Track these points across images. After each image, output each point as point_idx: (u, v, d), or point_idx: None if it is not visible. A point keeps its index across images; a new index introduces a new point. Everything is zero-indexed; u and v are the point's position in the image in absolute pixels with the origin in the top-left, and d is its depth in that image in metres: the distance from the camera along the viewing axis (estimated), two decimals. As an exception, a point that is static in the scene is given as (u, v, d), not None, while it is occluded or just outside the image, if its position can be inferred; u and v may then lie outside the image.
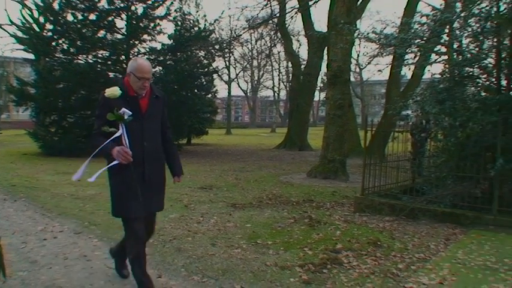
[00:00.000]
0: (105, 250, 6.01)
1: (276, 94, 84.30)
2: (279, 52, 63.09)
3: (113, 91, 4.32)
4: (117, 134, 4.22)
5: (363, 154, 10.44)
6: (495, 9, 8.66)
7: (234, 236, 7.05)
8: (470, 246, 6.59)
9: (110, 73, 22.72)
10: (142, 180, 4.38)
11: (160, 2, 22.80)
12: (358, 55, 59.19)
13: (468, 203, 8.15)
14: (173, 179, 4.93)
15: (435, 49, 9.68)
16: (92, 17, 21.87)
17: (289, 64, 46.93)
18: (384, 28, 9.86)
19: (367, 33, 9.93)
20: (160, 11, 22.96)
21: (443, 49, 9.85)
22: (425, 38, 9.30)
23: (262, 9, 26.33)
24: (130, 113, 4.24)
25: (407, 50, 9.44)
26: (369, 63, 57.75)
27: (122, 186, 4.34)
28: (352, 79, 47.29)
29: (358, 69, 63.75)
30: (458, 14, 9.12)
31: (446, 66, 9.46)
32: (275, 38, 34.17)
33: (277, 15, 28.40)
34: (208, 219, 8.24)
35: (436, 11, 10.78)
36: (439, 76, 9.53)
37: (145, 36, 23.18)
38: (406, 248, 6.50)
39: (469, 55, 9.02)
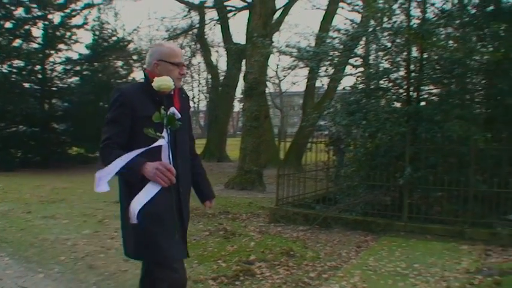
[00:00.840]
0: (16, 268, 5.79)
1: (195, 105, 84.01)
2: (198, 63, 62.89)
3: (165, 81, 3.13)
4: (159, 144, 3.09)
5: (281, 164, 10.57)
6: (405, 24, 9.02)
7: (149, 251, 6.93)
8: (381, 253, 6.75)
9: (25, 83, 22.00)
10: (178, 211, 3.27)
11: (78, 11, 22.31)
12: (277, 66, 60.03)
13: (379, 210, 8.42)
14: (204, 204, 3.85)
15: (351, 62, 9.98)
16: (8, 25, 21.13)
17: (209, 75, 47.02)
18: (298, 42, 10.09)
19: (281, 47, 10.13)
20: (78, 20, 22.47)
21: (359, 62, 10.14)
22: (337, 52, 9.55)
23: (182, 19, 26.30)
24: (180, 115, 3.25)
25: (320, 63, 9.65)
26: (284, 76, 58.49)
27: (155, 218, 3.15)
28: (271, 90, 47.80)
29: (277, 81, 64.76)
30: (369, 29, 9.42)
31: (359, 78, 9.75)
32: (195, 48, 34.11)
33: (197, 26, 28.41)
34: (122, 234, 8.08)
35: (354, 24, 11.13)
36: (350, 88, 9.82)
37: (61, 46, 22.51)
38: (318, 257, 6.59)
39: (380, 68, 9.32)
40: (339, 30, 9.95)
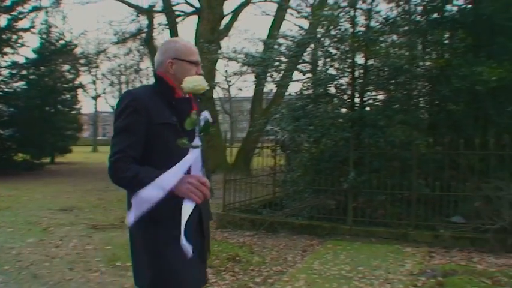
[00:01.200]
0: None
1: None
2: (147, 67, 62.31)
3: (200, 81, 2.63)
4: (194, 155, 2.53)
5: (229, 170, 10.57)
6: (351, 31, 9.17)
7: (93, 259, 6.78)
8: (326, 257, 6.80)
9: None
10: (201, 233, 2.79)
11: (25, 14, 21.69)
12: (226, 72, 59.87)
13: (324, 214, 8.52)
14: None
15: (298, 68, 10.07)
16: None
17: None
18: (244, 48, 10.09)
19: (228, 53, 10.14)
20: (25, 23, 21.94)
21: (306, 68, 10.24)
22: (284, 58, 9.63)
23: (130, 23, 26.03)
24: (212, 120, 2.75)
25: (266, 69, 9.69)
26: (230, 81, 58.61)
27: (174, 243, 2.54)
28: (221, 95, 47.79)
29: (227, 86, 64.70)
30: (315, 36, 9.53)
31: (305, 84, 9.84)
32: (143, 53, 33.81)
33: (146, 30, 28.19)
34: (67, 242, 7.89)
35: (303, 31, 11.22)
36: (297, 94, 9.91)
37: (7, 49, 21.85)
38: (264, 262, 6.61)
39: (326, 74, 9.43)
40: (285, 37, 10.04)
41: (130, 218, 2.42)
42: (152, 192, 2.36)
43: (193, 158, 2.51)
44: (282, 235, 8.27)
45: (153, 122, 2.60)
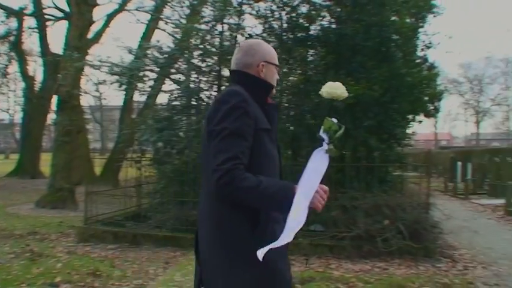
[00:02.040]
0: None
1: (12, 117, 79.07)
2: (15, 72, 59.30)
3: (343, 89, 2.60)
4: (327, 163, 2.50)
5: (96, 181, 10.34)
6: (218, 44, 9.35)
7: None
8: (189, 268, 6.84)
9: None
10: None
11: None
12: (98, 79, 58.33)
13: (188, 226, 8.56)
14: None
15: (165, 79, 10.09)
16: None
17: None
18: (108, 57, 9.95)
19: (92, 61, 9.98)
20: None
21: (174, 79, 10.26)
22: (155, 68, 9.61)
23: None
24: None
25: (131, 79, 9.62)
26: (97, 90, 57.27)
27: (279, 258, 2.47)
28: (92, 103, 46.54)
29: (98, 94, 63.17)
30: (182, 48, 9.58)
31: (171, 96, 9.88)
32: (12, 56, 32.21)
33: (14, 33, 26.93)
34: None
35: (174, 42, 11.22)
36: (161, 105, 9.94)
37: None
38: (126, 275, 6.55)
39: (192, 87, 9.53)
40: (153, 47, 10.03)
41: (285, 239, 2.25)
42: (301, 204, 2.28)
43: (326, 165, 2.46)
44: (145, 248, 8.24)
45: (257, 127, 2.45)
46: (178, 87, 9.91)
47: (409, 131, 11.58)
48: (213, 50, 9.31)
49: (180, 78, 9.97)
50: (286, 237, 2.25)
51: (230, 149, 2.30)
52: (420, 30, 12.30)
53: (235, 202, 2.34)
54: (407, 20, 11.69)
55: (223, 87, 9.52)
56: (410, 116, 11.30)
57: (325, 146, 2.49)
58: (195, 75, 9.82)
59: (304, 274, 6.59)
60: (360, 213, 7.87)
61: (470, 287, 6.27)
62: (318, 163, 2.45)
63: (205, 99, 9.62)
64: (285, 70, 10.08)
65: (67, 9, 19.66)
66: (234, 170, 2.26)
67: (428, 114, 13.31)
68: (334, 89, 2.56)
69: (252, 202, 2.34)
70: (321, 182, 2.45)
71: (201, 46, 9.43)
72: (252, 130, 2.40)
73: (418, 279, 6.43)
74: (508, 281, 6.59)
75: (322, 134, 2.52)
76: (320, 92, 2.60)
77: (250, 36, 9.80)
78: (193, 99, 9.58)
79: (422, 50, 12.67)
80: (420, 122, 12.02)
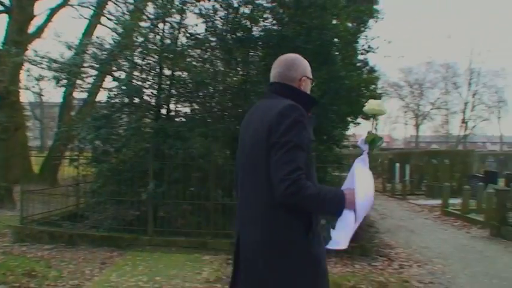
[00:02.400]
0: None
1: None
2: None
3: (380, 105, 2.83)
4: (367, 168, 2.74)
5: (34, 180, 10.09)
6: (159, 43, 9.25)
7: None
8: (125, 268, 6.83)
9: None
10: None
11: None
12: (39, 75, 56.54)
13: (125, 226, 8.50)
14: None
15: (104, 76, 9.93)
16: None
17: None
18: (48, 52, 9.68)
19: (30, 57, 9.72)
20: None
21: (114, 76, 10.08)
22: (95, 64, 9.41)
23: None
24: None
25: (69, 76, 9.40)
26: (36, 86, 55.85)
27: (324, 258, 2.72)
28: (32, 100, 45.33)
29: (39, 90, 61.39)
30: (121, 45, 9.43)
31: (110, 93, 9.70)
32: None
33: None
34: None
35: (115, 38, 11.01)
36: (100, 103, 9.78)
37: None
38: (61, 276, 6.44)
39: (132, 84, 9.39)
40: (93, 44, 9.84)
41: (343, 241, 2.55)
42: (366, 204, 2.55)
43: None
44: (82, 248, 8.10)
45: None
46: (118, 84, 9.77)
47: (347, 132, 11.83)
48: (154, 48, 9.22)
49: (120, 76, 9.82)
50: (348, 237, 2.58)
51: (295, 161, 2.44)
52: (361, 34, 12.58)
53: (290, 208, 2.49)
54: (349, 24, 11.92)
55: (162, 86, 9.50)
56: (348, 118, 11.53)
57: (365, 155, 2.72)
58: (136, 73, 9.69)
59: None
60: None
61: (406, 285, 6.43)
62: (364, 169, 2.67)
63: (145, 98, 9.51)
64: (225, 70, 10.11)
65: (7, 2, 19.15)
66: (300, 180, 2.41)
67: (367, 117, 13.58)
68: (375, 106, 2.80)
69: (312, 208, 2.53)
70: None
71: (142, 44, 9.32)
72: (309, 142, 2.57)
73: (353, 278, 6.57)
74: (442, 279, 6.81)
75: (362, 144, 2.76)
76: (364, 109, 2.82)
77: (192, 35, 9.75)
78: (133, 98, 9.46)
79: (362, 53, 12.94)
80: (359, 124, 12.27)
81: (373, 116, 2.91)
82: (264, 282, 2.58)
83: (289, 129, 2.49)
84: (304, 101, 2.74)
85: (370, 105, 2.81)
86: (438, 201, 15.07)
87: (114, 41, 9.31)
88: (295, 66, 2.83)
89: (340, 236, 2.57)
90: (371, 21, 13.39)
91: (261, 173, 2.56)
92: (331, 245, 2.57)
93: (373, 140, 2.73)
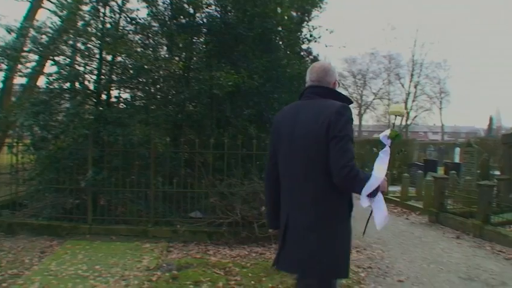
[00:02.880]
0: None
1: None
2: None
3: (402, 108, 3.92)
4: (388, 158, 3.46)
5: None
6: (100, 27, 9.09)
7: None
8: (65, 257, 6.77)
9: None
10: None
11: None
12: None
13: (65, 214, 8.40)
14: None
15: (44, 61, 9.70)
16: None
17: None
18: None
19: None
20: None
21: (54, 61, 9.86)
22: (35, 49, 9.17)
23: None
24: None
25: (7, 60, 9.14)
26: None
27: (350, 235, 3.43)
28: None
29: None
30: (62, 30, 9.23)
31: (50, 78, 9.49)
32: None
33: None
34: None
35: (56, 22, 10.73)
36: (39, 88, 9.57)
37: None
38: (0, 266, 6.37)
39: (72, 69, 9.22)
40: (34, 27, 9.59)
41: (365, 202, 3.17)
42: (375, 182, 3.08)
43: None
44: (21, 237, 7.99)
45: None
46: (58, 69, 9.57)
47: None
48: (94, 32, 9.06)
49: (60, 61, 9.62)
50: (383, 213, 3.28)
51: (351, 150, 3.12)
52: (304, 23, 12.70)
53: (340, 192, 3.21)
54: (293, 14, 12.03)
55: (103, 70, 9.40)
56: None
57: (387, 148, 3.46)
58: (77, 58, 9.50)
59: (182, 261, 6.71)
60: (237, 200, 8.06)
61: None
62: (386, 158, 3.37)
63: (86, 83, 9.33)
64: (166, 56, 10.06)
65: None
66: (355, 166, 3.07)
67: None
68: (398, 108, 3.80)
69: (358, 189, 3.10)
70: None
71: (82, 28, 9.13)
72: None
73: (291, 263, 6.70)
74: (381, 264, 7.04)
75: (385, 139, 3.54)
76: (389, 111, 3.95)
77: (133, 19, 9.61)
78: (73, 83, 9.30)
79: (305, 43, 13.05)
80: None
81: (395, 116, 3.78)
82: (314, 253, 3.18)
83: (345, 126, 3.15)
84: (343, 100, 3.38)
85: (394, 107, 3.79)
86: (379, 188, 15.43)
87: (54, 25, 9.12)
88: (330, 72, 3.48)
89: (380, 217, 3.27)
90: (315, 11, 13.52)
91: (317, 163, 3.19)
92: (379, 226, 3.29)
93: (396, 136, 3.51)
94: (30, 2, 16.87)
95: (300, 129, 3.28)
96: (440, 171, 18.88)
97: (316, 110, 3.26)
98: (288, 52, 10.78)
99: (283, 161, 3.41)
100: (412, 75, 66.66)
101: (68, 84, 9.26)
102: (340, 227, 3.27)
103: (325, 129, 3.14)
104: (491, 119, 78.89)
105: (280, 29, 10.52)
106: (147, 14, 9.90)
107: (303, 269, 3.29)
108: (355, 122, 77.05)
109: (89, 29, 9.11)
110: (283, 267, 3.54)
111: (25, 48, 9.16)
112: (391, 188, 14.68)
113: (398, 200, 13.32)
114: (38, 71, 10.32)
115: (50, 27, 9.17)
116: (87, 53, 9.23)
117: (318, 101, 3.35)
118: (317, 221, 3.20)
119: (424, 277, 6.41)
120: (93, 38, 9.06)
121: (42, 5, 17.14)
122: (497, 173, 15.22)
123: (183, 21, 10.04)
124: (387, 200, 13.43)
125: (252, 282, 5.85)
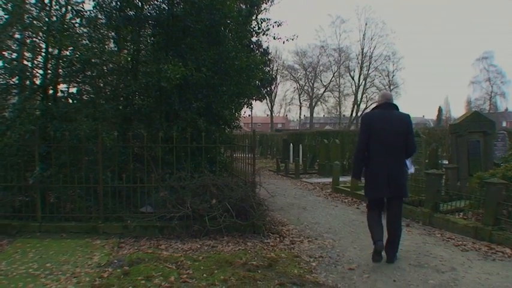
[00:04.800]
0: None
1: None
2: None
3: None
4: None
5: None
6: (45, 20, 8.85)
7: None
8: (15, 256, 6.67)
9: None
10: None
11: None
12: None
13: (14, 212, 8.22)
14: None
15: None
16: None
17: None
18: None
19: None
20: None
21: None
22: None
23: None
24: None
25: None
26: None
27: None
28: None
29: None
30: (3, 22, 8.97)
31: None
32: None
33: None
34: None
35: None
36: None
37: None
38: None
39: (16, 64, 8.98)
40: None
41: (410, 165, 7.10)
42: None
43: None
44: (-31, 237, 7.78)
45: None
46: (3, 64, 9.31)
47: (238, 113, 11.97)
48: (40, 25, 8.82)
49: (6, 55, 9.35)
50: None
51: (414, 139, 6.72)
52: (253, 16, 12.69)
53: (407, 158, 6.67)
54: (242, 6, 12.00)
55: (49, 65, 9.18)
56: (239, 99, 11.67)
57: (409, 163, 7.14)
58: (23, 52, 9.26)
59: (133, 256, 6.67)
60: (187, 194, 8.06)
61: (296, 260, 6.68)
62: (409, 162, 7.17)
63: (33, 78, 9.11)
64: (112, 49, 9.90)
65: None
66: (416, 148, 7.53)
67: (260, 98, 13.78)
68: None
69: (411, 159, 6.99)
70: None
71: (27, 21, 8.88)
72: None
73: (245, 255, 6.76)
74: (332, 253, 7.17)
75: (409, 165, 7.01)
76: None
77: (79, 12, 9.38)
78: (19, 78, 9.06)
79: (254, 36, 13.08)
80: (250, 105, 12.40)
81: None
82: (402, 184, 6.48)
83: (411, 126, 6.58)
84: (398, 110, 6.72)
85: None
86: (330, 179, 15.73)
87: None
88: (392, 95, 7.08)
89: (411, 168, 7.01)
90: (264, 4, 13.56)
91: (402, 145, 6.43)
92: (411, 170, 7.06)
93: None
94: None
95: (393, 127, 6.39)
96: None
97: (400, 117, 6.48)
98: (237, 45, 10.74)
99: (378, 144, 6.43)
100: (361, 68, 67.87)
101: (15, 79, 9.01)
102: (406, 172, 6.62)
103: (405, 128, 6.43)
104: (440, 110, 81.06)
105: (228, 21, 10.48)
106: (93, 7, 9.69)
107: (402, 191, 6.51)
108: (307, 114, 78.01)
109: (35, 22, 8.86)
110: (389, 193, 6.46)
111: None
112: (342, 179, 14.93)
113: (349, 190, 13.49)
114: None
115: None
116: (32, 47, 8.99)
117: (394, 111, 6.55)
118: (401, 169, 6.48)
119: (375, 265, 6.52)
120: (38, 31, 8.83)
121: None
122: (446, 162, 15.61)
123: (130, 13, 9.88)
124: (338, 190, 13.72)
125: (204, 275, 5.86)
